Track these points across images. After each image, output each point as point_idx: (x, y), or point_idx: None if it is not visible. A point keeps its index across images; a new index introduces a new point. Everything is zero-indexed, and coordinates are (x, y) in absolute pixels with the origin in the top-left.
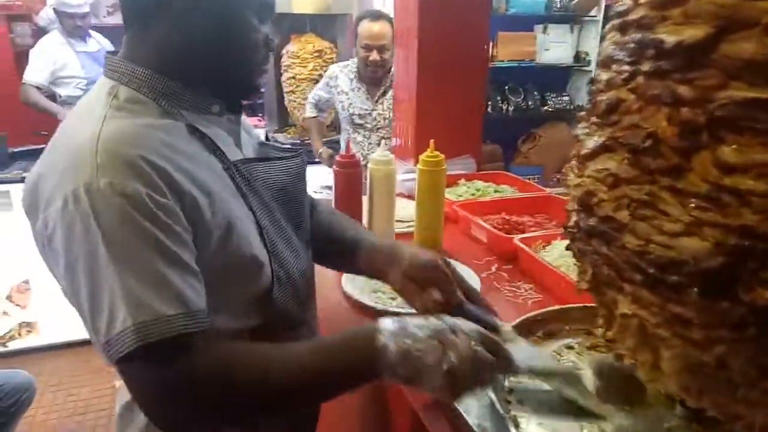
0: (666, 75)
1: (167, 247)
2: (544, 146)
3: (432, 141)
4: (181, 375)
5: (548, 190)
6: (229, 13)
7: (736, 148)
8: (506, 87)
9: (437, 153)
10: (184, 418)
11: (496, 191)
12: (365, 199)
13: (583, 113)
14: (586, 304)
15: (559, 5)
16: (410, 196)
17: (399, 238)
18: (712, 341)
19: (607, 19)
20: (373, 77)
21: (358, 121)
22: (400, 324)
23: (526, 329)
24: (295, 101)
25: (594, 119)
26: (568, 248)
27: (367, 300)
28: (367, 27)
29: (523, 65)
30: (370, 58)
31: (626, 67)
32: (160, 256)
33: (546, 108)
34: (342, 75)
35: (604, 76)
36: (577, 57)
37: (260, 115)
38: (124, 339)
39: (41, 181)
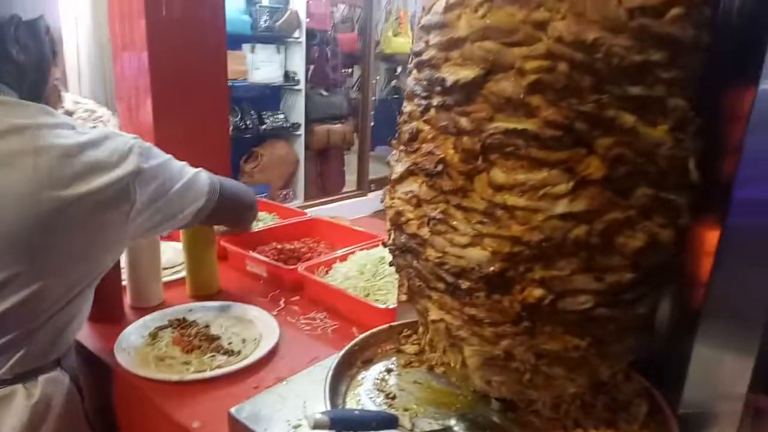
0: (450, 108)
1: None
2: (267, 164)
3: None
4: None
5: (305, 209)
6: (45, 48)
7: (504, 170)
8: None
9: None
10: None
11: (258, 220)
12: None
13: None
14: (390, 324)
15: (263, 26)
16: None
17: (169, 287)
18: (500, 336)
19: (308, 40)
20: None
21: None
22: None
23: (347, 362)
24: None
25: (401, 147)
26: (391, 264)
27: (156, 372)
28: None
29: (237, 84)
30: None
31: (422, 101)
32: None
33: (264, 126)
34: None
35: (408, 108)
36: (287, 76)
37: None
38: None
39: (83, 157)
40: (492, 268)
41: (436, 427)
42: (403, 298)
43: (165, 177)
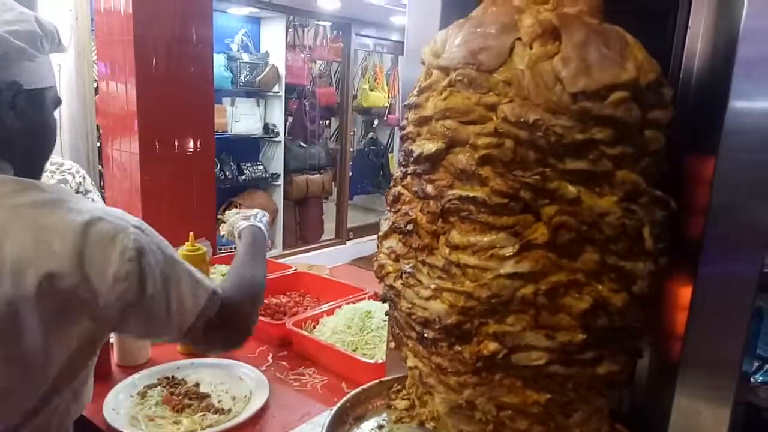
0: (420, 176)
1: None
2: None
3: (192, 233)
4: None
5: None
6: (47, 119)
7: (460, 232)
8: None
9: (199, 246)
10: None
11: None
12: None
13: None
14: (380, 380)
15: (244, 81)
16: None
17: (156, 344)
18: (462, 386)
19: (287, 94)
20: None
21: None
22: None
23: (339, 420)
24: None
25: (388, 207)
26: (386, 313)
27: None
28: None
29: (217, 136)
30: None
31: (403, 169)
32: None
33: (243, 177)
34: None
35: (396, 174)
36: (266, 128)
37: None
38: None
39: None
40: (450, 320)
41: None
42: (392, 345)
43: (156, 288)
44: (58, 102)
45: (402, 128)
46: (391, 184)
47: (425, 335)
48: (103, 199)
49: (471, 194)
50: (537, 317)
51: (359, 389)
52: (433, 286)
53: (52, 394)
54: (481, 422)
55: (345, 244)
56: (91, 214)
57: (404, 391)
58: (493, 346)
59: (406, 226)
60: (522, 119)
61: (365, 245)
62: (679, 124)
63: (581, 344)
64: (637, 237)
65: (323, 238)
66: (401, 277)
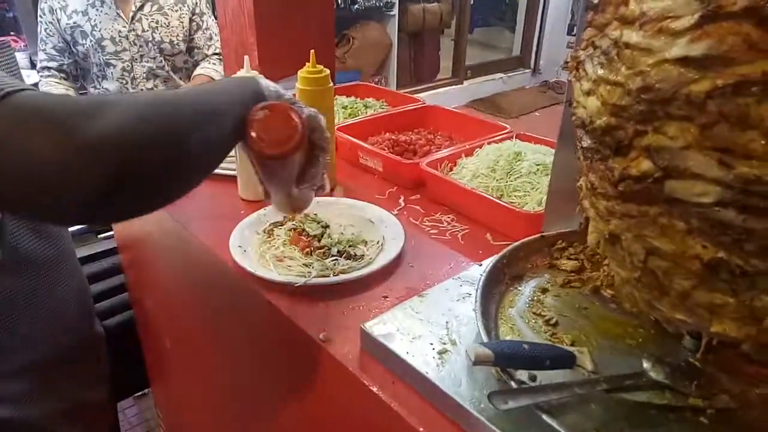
0: None
1: None
2: (359, 49)
3: (312, 51)
4: None
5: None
6: None
7: None
8: None
9: (320, 67)
10: None
11: (366, 107)
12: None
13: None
14: (542, 234)
15: None
16: None
17: None
18: (610, 213)
19: None
20: None
21: (110, 48)
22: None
23: (494, 279)
24: None
25: None
26: None
27: (274, 274)
28: None
29: None
30: None
31: None
32: None
33: (356, 6)
34: None
35: None
36: None
37: (13, 33)
38: None
39: None
40: (599, 121)
41: (625, 371)
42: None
43: None
44: None
45: None
46: None
47: (582, 143)
48: (215, 18)
49: None
50: (709, 130)
51: (517, 243)
52: (593, 77)
53: None
54: (631, 267)
55: (462, 83)
56: None
57: (570, 250)
58: (646, 165)
59: None
60: None
61: (484, 85)
62: None
63: None
64: None
65: (439, 76)
66: (576, 69)
